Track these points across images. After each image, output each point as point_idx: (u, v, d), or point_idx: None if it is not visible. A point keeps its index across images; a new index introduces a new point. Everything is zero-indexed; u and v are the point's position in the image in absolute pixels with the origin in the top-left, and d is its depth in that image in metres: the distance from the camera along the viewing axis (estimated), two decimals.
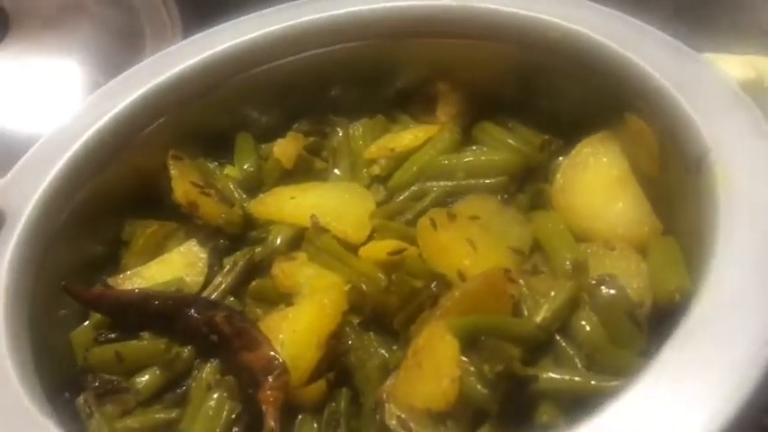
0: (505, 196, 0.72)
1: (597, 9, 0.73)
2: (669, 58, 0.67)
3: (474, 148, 0.78)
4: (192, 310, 0.65)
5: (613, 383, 0.55)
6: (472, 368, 0.56)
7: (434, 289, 0.62)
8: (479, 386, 0.55)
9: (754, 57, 0.65)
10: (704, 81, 0.64)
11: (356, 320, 0.65)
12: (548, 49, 0.74)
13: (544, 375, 0.56)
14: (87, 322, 0.69)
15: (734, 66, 0.65)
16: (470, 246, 0.65)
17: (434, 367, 0.55)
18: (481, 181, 0.73)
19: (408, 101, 0.86)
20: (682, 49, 0.68)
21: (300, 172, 0.80)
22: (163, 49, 0.84)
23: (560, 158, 0.76)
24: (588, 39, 0.72)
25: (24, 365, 0.56)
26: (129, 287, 0.71)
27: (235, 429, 0.60)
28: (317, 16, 0.80)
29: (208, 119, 0.82)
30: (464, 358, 0.56)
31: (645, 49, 0.68)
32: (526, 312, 0.62)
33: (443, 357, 0.55)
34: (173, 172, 0.76)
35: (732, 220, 0.53)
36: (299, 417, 0.61)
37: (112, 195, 0.75)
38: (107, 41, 1.04)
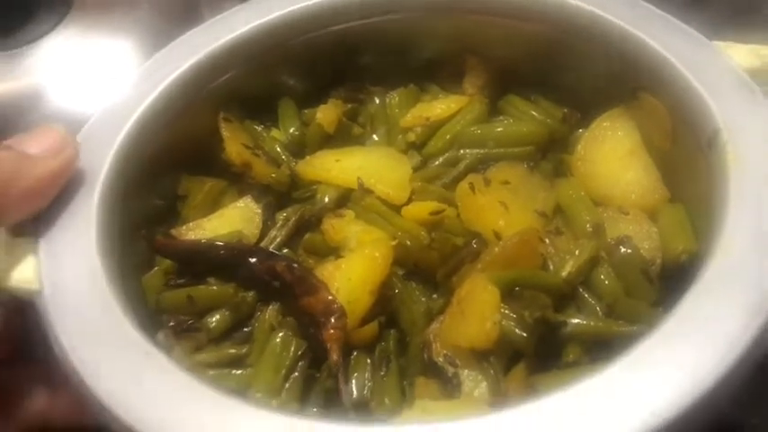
0: (531, 164, 0.79)
1: None
2: (682, 42, 0.73)
3: (501, 118, 0.86)
4: (255, 259, 0.72)
5: (631, 328, 0.65)
6: (511, 314, 0.64)
7: (475, 246, 0.70)
8: (518, 330, 0.64)
9: (759, 46, 0.72)
10: (714, 65, 0.71)
11: (400, 272, 0.73)
12: (571, 31, 0.80)
13: (572, 321, 0.66)
14: (156, 268, 0.76)
15: (741, 54, 0.72)
16: (504, 208, 0.73)
17: (477, 313, 0.64)
18: (510, 149, 0.80)
19: (436, 71, 0.92)
20: (693, 36, 0.74)
21: (340, 136, 0.86)
22: None
23: (579, 131, 0.84)
24: (607, 22, 0.78)
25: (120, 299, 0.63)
26: (192, 237, 0.78)
27: (301, 363, 0.68)
28: None
29: (252, 85, 0.87)
30: (503, 305, 0.65)
31: (659, 34, 0.74)
32: (552, 268, 0.71)
33: (485, 304, 0.63)
34: (225, 134, 0.82)
35: (742, 193, 0.61)
36: (354, 354, 0.69)
37: (170, 155, 0.81)
38: (165, 22, 1.06)
